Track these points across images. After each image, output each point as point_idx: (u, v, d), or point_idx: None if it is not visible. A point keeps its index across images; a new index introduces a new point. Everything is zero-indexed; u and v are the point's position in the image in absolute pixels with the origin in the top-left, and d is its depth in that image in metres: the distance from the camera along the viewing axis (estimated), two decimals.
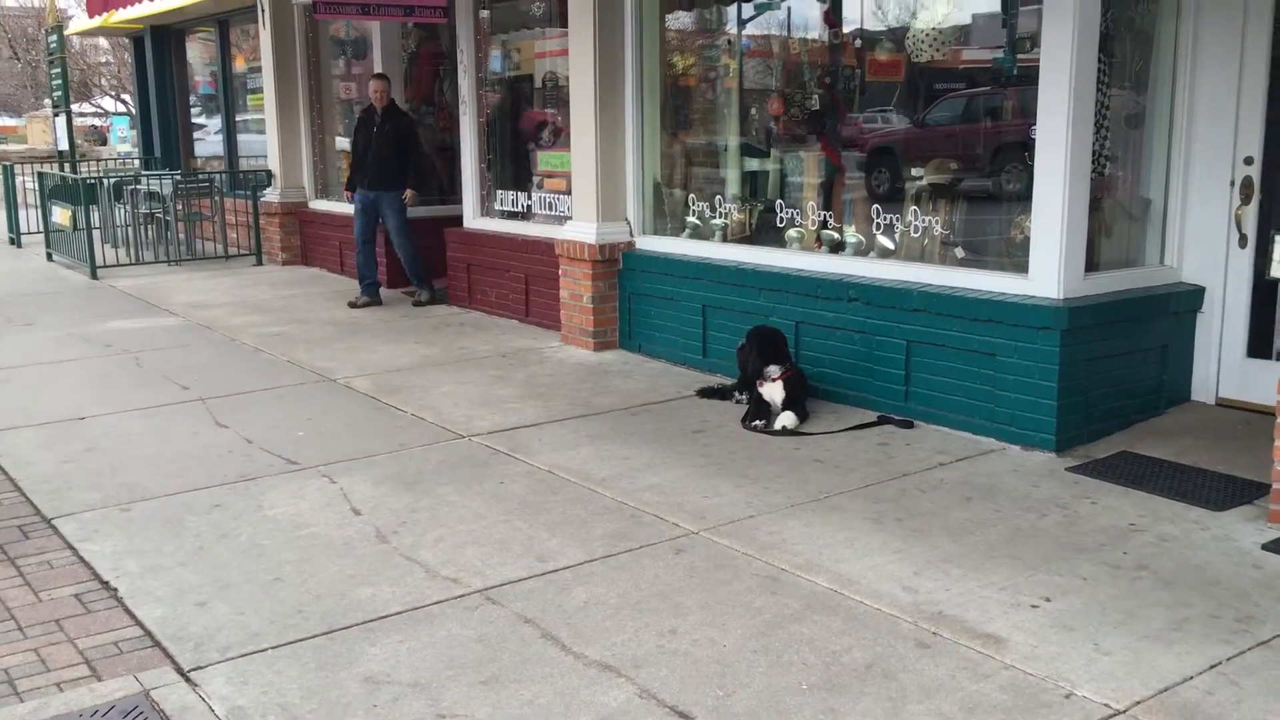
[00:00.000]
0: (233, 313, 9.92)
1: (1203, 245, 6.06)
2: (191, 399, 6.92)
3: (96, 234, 12.87)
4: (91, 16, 11.41)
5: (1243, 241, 5.92)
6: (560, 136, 9.07)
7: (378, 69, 11.23)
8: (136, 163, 18.64)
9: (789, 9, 7.72)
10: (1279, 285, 5.55)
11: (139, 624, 3.92)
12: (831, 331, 6.62)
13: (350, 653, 3.68)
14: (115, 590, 4.19)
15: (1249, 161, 5.86)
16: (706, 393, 6.88)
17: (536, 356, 8.07)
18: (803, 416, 6.20)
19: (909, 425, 6.11)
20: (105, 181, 14.27)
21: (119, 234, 13.88)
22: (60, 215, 13.59)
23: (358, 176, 10.15)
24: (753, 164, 8.04)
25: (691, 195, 8.10)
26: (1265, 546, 4.41)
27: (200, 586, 4.20)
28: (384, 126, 9.93)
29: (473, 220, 9.95)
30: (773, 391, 6.27)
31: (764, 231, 7.61)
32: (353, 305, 10.13)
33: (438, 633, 3.80)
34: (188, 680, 3.52)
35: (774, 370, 6.28)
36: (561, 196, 8.99)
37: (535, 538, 4.64)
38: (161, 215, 13.42)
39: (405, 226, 10.15)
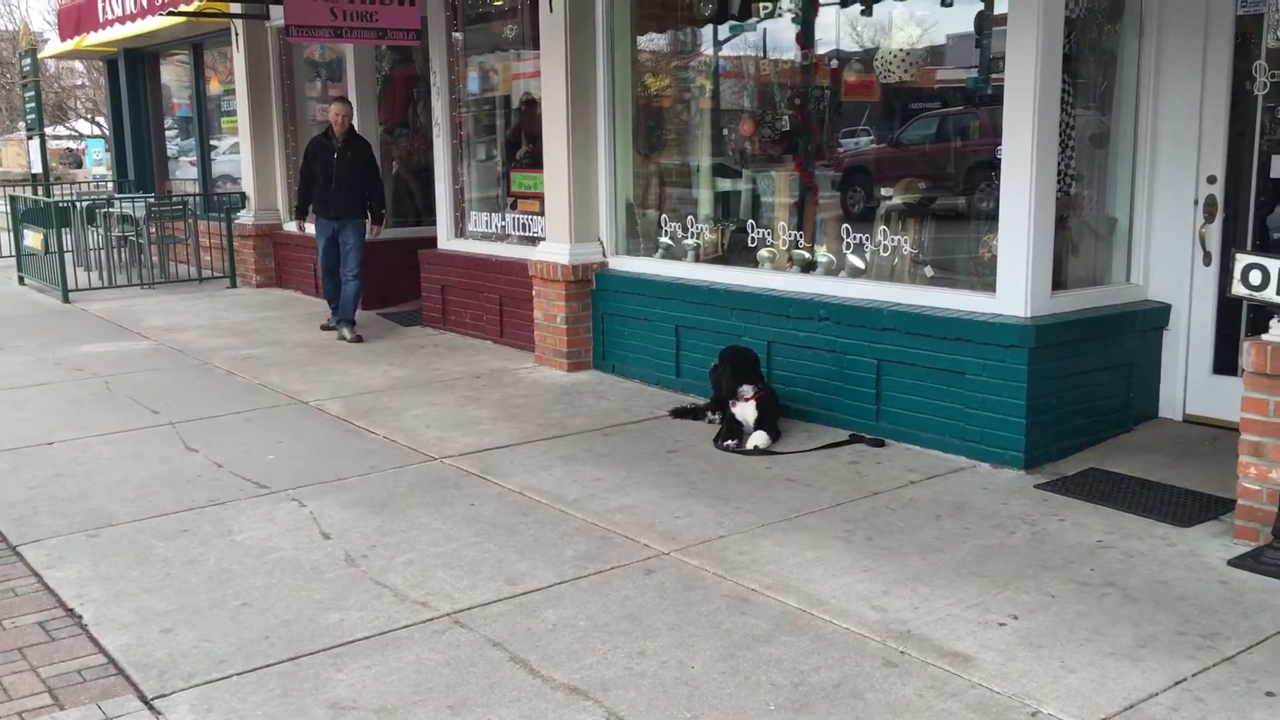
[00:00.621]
0: (205, 335, 9.88)
1: (1168, 263, 6.12)
2: (162, 423, 6.88)
3: (69, 257, 12.80)
4: (64, 40, 11.35)
5: (1207, 259, 5.99)
6: (534, 158, 9.08)
7: (351, 91, 11.25)
8: (110, 185, 18.55)
9: (763, 30, 7.78)
10: (1243, 303, 5.61)
11: (103, 651, 3.88)
12: (803, 351, 6.65)
13: (316, 679, 3.65)
14: (80, 617, 4.16)
15: (1212, 180, 5.93)
16: (679, 413, 6.89)
17: (510, 377, 8.06)
18: (775, 436, 6.22)
19: (880, 444, 6.13)
20: (78, 205, 14.21)
21: (92, 257, 13.80)
22: (32, 238, 13.51)
23: (321, 206, 9.64)
24: (725, 184, 8.09)
25: (664, 216, 8.14)
26: (1231, 562, 4.45)
27: (166, 613, 4.17)
28: (345, 153, 9.52)
29: (447, 242, 9.95)
30: (745, 411, 6.28)
31: (736, 251, 7.65)
32: (325, 328, 9.95)
33: (405, 657, 3.79)
34: (151, 709, 3.49)
35: (747, 390, 6.29)
36: (535, 217, 9.01)
37: (505, 560, 4.63)
38: (134, 238, 13.36)
39: (363, 258, 9.75)
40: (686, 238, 7.91)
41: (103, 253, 13.53)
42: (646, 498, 5.37)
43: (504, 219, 9.48)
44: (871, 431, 6.24)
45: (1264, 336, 4.55)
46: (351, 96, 11.17)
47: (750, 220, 7.58)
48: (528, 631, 3.96)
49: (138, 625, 4.07)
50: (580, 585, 4.36)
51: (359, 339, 9.50)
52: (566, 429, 6.64)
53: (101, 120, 35.66)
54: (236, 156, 14.19)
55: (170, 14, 10.12)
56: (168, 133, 17.28)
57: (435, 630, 3.98)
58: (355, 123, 10.12)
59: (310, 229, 9.99)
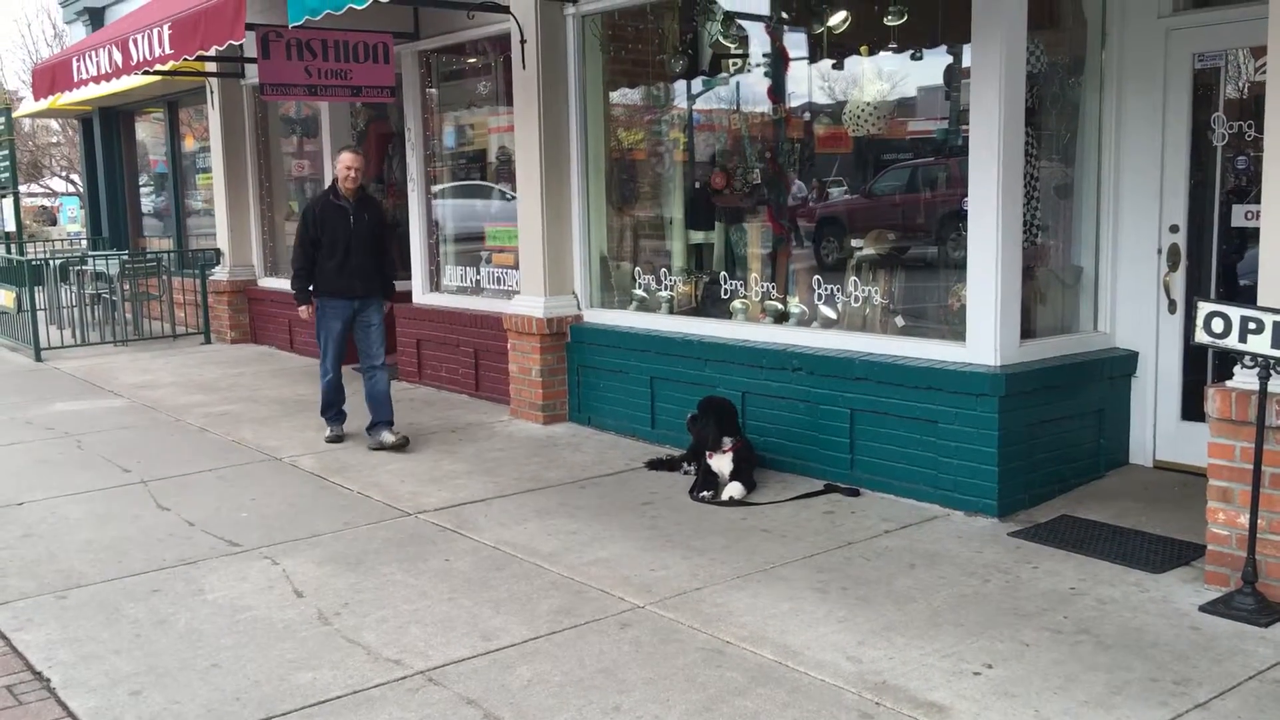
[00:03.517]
0: (179, 392, 9.83)
1: (1134, 311, 6.20)
2: (133, 481, 6.82)
3: (41, 315, 12.74)
4: (38, 99, 11.36)
5: (1172, 307, 6.08)
6: (508, 211, 9.14)
7: (326, 147, 11.27)
8: (85, 243, 18.51)
9: (735, 84, 7.90)
10: (1208, 350, 5.69)
11: (71, 715, 3.83)
12: (777, 401, 6.68)
13: None
14: (48, 681, 4.10)
15: (1175, 229, 6.03)
16: (655, 464, 6.89)
17: (486, 431, 8.05)
18: (750, 486, 6.23)
19: (855, 493, 6.15)
20: (51, 262, 14.15)
21: (65, 315, 13.74)
22: (4, 297, 13.44)
23: (338, 283, 7.65)
24: (698, 236, 8.16)
25: (638, 268, 8.19)
26: (1203, 608, 4.47)
27: (135, 675, 4.12)
28: (361, 216, 7.67)
29: (422, 296, 9.97)
30: (721, 463, 6.29)
31: (710, 303, 7.70)
32: (335, 439, 7.83)
33: (378, 716, 3.75)
34: None
35: (725, 441, 6.31)
36: (510, 271, 9.05)
37: (480, 616, 4.60)
38: (108, 295, 13.31)
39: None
40: (660, 290, 7.96)
41: (76, 310, 13.47)
42: (622, 550, 5.36)
43: (479, 273, 9.51)
44: (846, 481, 6.26)
45: (1228, 383, 4.62)
46: (326, 152, 11.21)
47: (723, 272, 7.64)
48: (502, 688, 3.93)
49: (106, 688, 4.02)
50: (555, 640, 4.34)
51: (406, 440, 7.57)
52: (542, 482, 6.63)
53: (76, 178, 35.63)
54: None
55: (145, 73, 10.19)
56: (142, 190, 17.29)
57: (409, 689, 3.95)
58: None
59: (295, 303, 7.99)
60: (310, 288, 7.79)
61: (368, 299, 7.77)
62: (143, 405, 9.28)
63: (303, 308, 7.88)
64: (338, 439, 7.83)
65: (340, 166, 7.68)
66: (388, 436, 7.56)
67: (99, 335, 13.19)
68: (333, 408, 7.93)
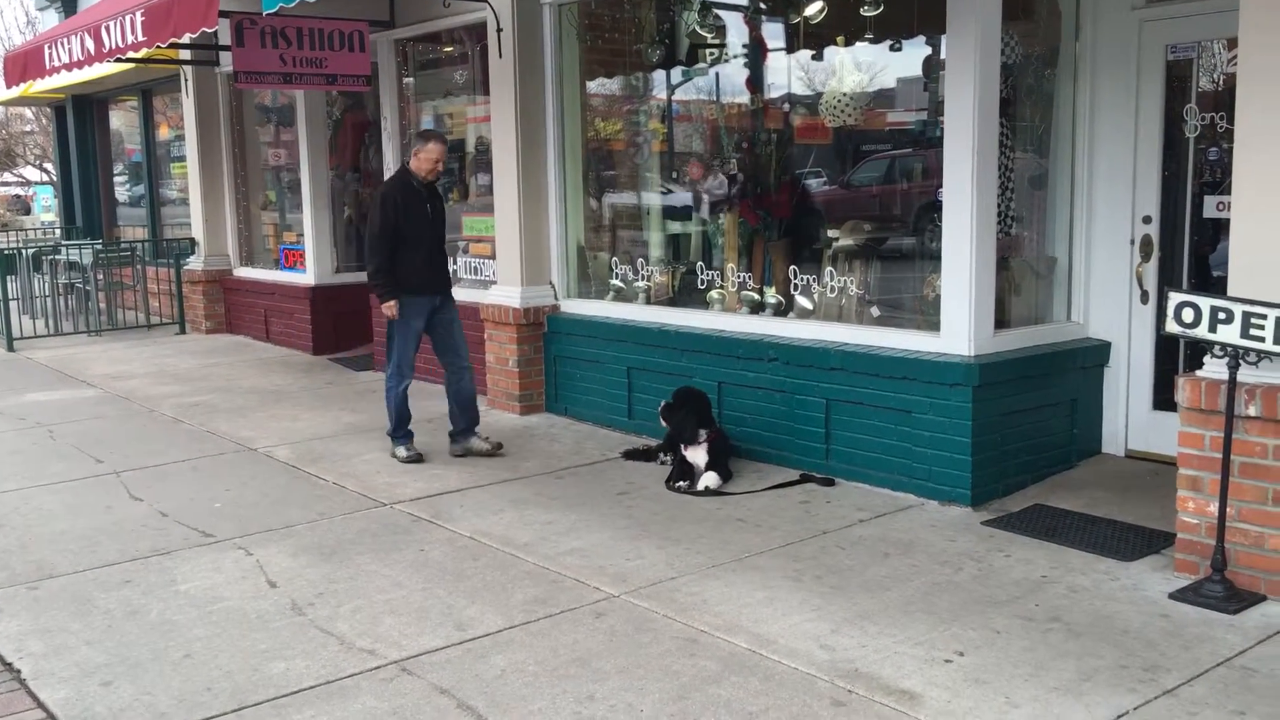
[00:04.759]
0: (153, 383, 9.76)
1: (1107, 302, 6.24)
2: (106, 472, 6.78)
3: (14, 305, 12.63)
4: (10, 86, 11.26)
5: (1144, 298, 6.12)
6: (485, 202, 9.11)
7: (302, 136, 11.17)
8: (58, 232, 18.35)
9: (713, 75, 7.89)
10: (1180, 340, 5.73)
11: (41, 706, 3.81)
12: (753, 391, 6.69)
13: None
14: (18, 672, 4.08)
15: (1147, 220, 6.07)
16: (632, 454, 6.89)
17: None
18: (726, 476, 6.24)
19: (830, 483, 6.17)
20: (24, 251, 14.02)
21: (38, 305, 13.62)
22: None
23: (422, 277, 6.94)
24: (675, 227, 8.16)
25: (615, 258, 8.19)
26: (1172, 596, 4.51)
27: (107, 666, 4.09)
28: (435, 206, 7.05)
29: None
30: (697, 453, 6.30)
31: (686, 293, 7.70)
32: (419, 459, 6.95)
33: (351, 706, 3.74)
34: None
35: (700, 433, 6.32)
36: (487, 261, 9.02)
37: (455, 606, 4.60)
38: (81, 285, 13.21)
39: None
40: (637, 280, 7.96)
41: (49, 300, 13.36)
42: (598, 540, 5.36)
43: (456, 262, 9.47)
44: (822, 471, 6.28)
45: (1198, 373, 4.65)
46: (302, 141, 11.14)
47: (700, 262, 7.64)
48: (476, 678, 3.93)
49: (78, 679, 3.99)
50: (530, 630, 4.34)
51: (500, 446, 7.10)
52: (518, 472, 6.63)
53: (49, 167, 35.28)
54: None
55: (118, 61, 10.10)
56: (117, 179, 17.15)
57: (382, 678, 3.95)
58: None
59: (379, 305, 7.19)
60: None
61: (447, 293, 7.17)
62: (116, 395, 9.22)
63: (391, 303, 6.88)
64: (419, 458, 6.94)
65: (426, 159, 6.85)
66: (479, 444, 7.06)
67: (72, 325, 13.09)
68: (406, 424, 7.06)
